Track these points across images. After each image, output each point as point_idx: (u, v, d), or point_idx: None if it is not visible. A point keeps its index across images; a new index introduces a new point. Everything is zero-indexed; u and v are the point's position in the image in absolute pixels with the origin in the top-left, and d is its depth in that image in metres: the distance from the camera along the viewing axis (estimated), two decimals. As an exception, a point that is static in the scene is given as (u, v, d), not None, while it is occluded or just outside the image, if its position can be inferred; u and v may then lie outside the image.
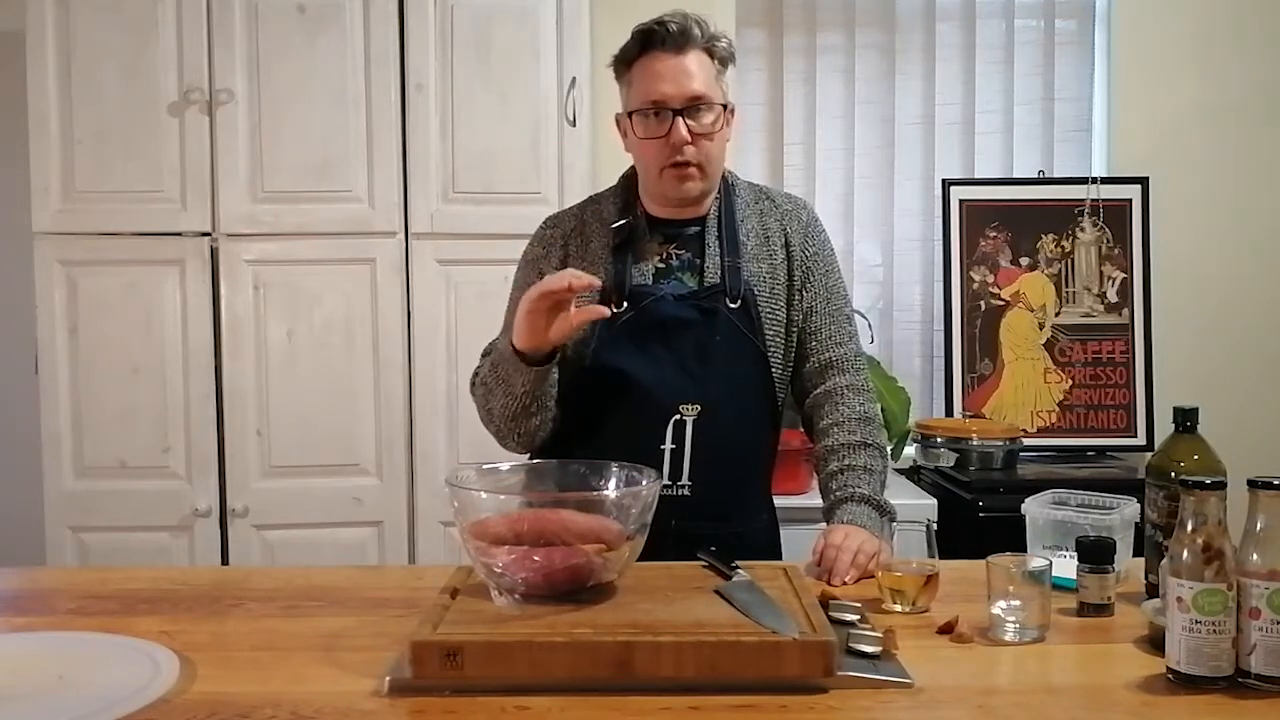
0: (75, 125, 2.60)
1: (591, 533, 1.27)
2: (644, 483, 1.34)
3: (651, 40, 1.65)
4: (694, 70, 1.64)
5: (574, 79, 2.64)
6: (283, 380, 2.64)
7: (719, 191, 1.76)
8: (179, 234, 2.62)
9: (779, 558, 1.77)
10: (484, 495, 1.33)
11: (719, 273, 1.70)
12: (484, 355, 1.77)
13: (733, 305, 1.68)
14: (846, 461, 1.69)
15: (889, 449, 1.78)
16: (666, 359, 1.67)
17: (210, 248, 2.63)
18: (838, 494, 1.67)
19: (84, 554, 2.63)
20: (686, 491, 1.64)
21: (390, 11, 2.62)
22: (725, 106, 1.69)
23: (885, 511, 1.66)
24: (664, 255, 1.73)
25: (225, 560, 2.63)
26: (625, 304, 1.68)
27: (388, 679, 1.13)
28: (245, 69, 2.61)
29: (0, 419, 3.09)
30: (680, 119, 1.63)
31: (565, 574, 1.26)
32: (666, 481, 1.62)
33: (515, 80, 2.65)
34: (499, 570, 1.26)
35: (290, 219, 2.63)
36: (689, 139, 1.64)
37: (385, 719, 1.08)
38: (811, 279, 1.75)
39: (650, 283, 1.70)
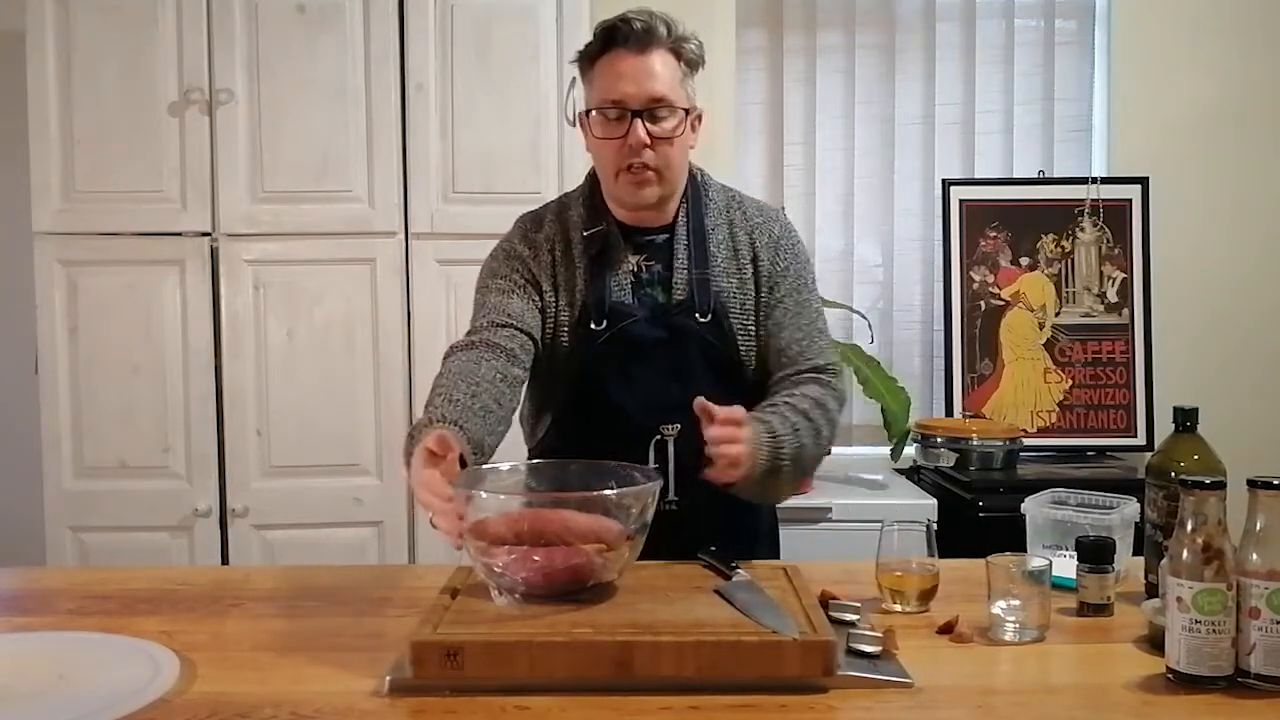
0: (75, 125, 2.59)
1: (591, 532, 1.26)
2: (643, 482, 1.34)
3: (614, 37, 1.58)
4: (657, 70, 1.58)
5: (574, 79, 2.60)
6: (283, 380, 2.64)
7: (687, 195, 1.69)
8: (179, 234, 2.62)
9: (777, 553, 1.77)
10: (484, 495, 1.33)
11: (688, 287, 1.65)
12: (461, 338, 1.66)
13: (703, 320, 1.63)
14: (788, 398, 1.58)
15: (830, 445, 1.64)
16: (645, 378, 1.63)
17: (210, 248, 2.63)
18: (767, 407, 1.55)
19: (84, 554, 2.63)
20: (674, 507, 1.61)
21: (390, 11, 2.62)
22: (689, 111, 1.62)
23: (777, 466, 1.50)
24: (636, 266, 1.67)
25: (225, 560, 2.63)
26: (604, 322, 1.63)
27: (388, 679, 1.14)
28: (245, 69, 2.60)
29: (0, 419, 3.09)
30: (639, 120, 1.57)
31: (565, 574, 1.26)
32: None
33: (515, 80, 2.64)
34: (499, 570, 1.26)
35: (290, 219, 2.63)
36: (647, 141, 1.57)
37: (385, 719, 1.08)
38: (777, 293, 1.68)
39: (628, 296, 1.65)
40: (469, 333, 1.65)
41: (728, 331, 1.65)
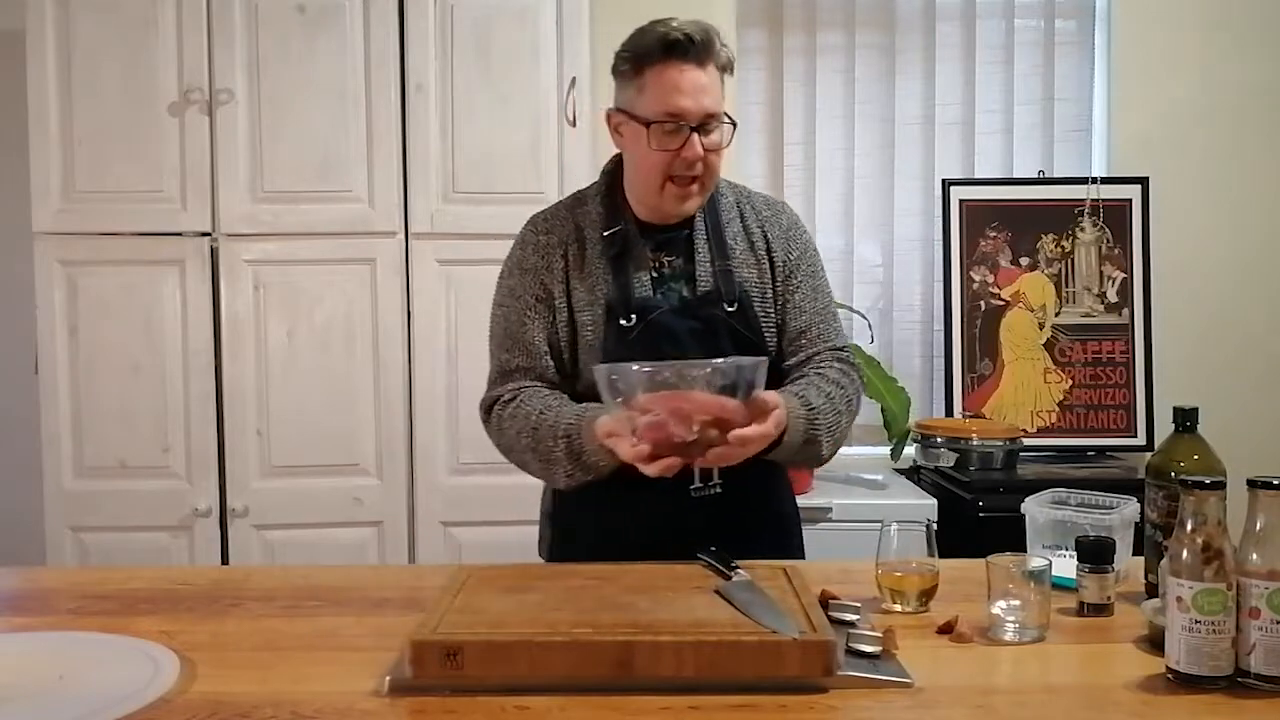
0: (75, 125, 2.60)
1: (717, 405, 1.42)
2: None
3: (674, 49, 1.60)
4: (711, 85, 1.62)
5: (574, 79, 2.64)
6: (283, 380, 2.65)
7: None
8: (179, 234, 2.62)
9: (802, 547, 1.82)
10: (635, 367, 1.44)
11: (711, 279, 1.69)
12: (498, 382, 1.72)
13: (730, 309, 1.68)
14: (819, 370, 1.70)
15: (856, 415, 1.76)
16: None
17: (210, 248, 2.63)
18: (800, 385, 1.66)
19: (84, 554, 2.63)
20: (718, 490, 1.62)
21: (390, 11, 2.62)
22: (731, 123, 1.68)
23: (814, 436, 1.61)
24: (656, 263, 1.71)
25: (225, 560, 2.63)
26: (634, 317, 1.66)
27: (388, 679, 1.14)
28: (245, 69, 2.61)
29: (0, 419, 3.09)
30: (695, 135, 1.61)
31: (677, 446, 1.43)
32: (698, 484, 1.61)
33: (515, 80, 2.65)
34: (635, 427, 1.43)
35: (290, 219, 2.63)
36: (702, 155, 1.62)
37: (385, 719, 1.08)
38: (794, 280, 1.74)
39: (650, 292, 1.69)
40: (501, 379, 1.73)
41: (752, 320, 1.70)
